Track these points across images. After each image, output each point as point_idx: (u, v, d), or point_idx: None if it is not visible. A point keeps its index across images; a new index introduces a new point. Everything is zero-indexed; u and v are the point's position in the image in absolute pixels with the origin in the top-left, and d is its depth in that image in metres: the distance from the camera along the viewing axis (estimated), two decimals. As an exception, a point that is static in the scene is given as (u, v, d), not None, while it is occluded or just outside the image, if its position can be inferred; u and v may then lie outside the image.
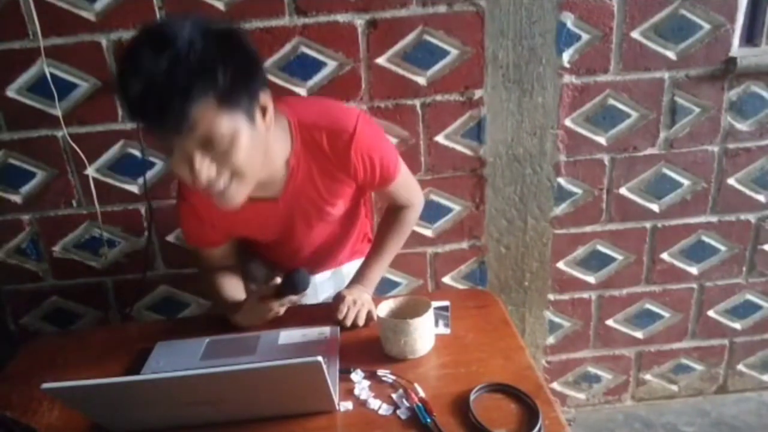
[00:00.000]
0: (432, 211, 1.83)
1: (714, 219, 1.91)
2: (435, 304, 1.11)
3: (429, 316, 1.06)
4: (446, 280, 1.93)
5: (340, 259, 1.47)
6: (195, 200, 1.17)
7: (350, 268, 1.47)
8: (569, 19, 1.65)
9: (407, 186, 1.31)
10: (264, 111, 0.98)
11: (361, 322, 1.18)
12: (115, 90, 0.95)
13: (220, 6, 1.56)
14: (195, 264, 1.33)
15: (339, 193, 1.19)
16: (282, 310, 1.19)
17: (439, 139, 1.75)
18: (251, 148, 0.95)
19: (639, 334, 2.05)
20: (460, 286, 1.93)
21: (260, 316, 1.19)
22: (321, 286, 1.48)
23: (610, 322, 2.03)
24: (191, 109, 0.86)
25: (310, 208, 1.20)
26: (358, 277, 1.28)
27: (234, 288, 1.29)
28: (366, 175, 1.16)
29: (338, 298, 1.21)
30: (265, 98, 0.97)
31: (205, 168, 0.92)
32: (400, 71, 1.66)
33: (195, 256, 1.29)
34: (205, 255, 1.27)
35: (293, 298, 1.15)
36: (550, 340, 2.04)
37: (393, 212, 1.35)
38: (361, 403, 0.97)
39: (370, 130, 1.16)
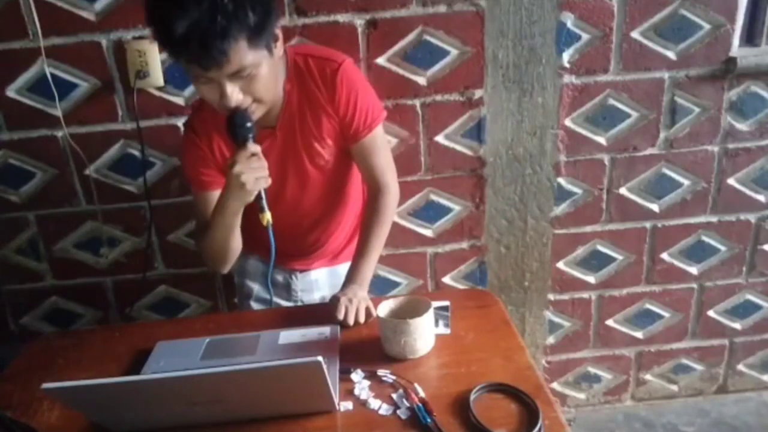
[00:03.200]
0: (432, 211, 1.83)
1: (714, 219, 1.91)
2: (435, 304, 1.11)
3: (429, 316, 1.06)
4: (446, 280, 1.93)
5: (336, 250, 1.47)
6: (200, 129, 1.26)
7: (347, 267, 1.48)
8: (569, 19, 1.65)
9: (386, 154, 1.36)
10: (276, 40, 1.13)
11: (361, 319, 1.18)
12: (153, 31, 1.05)
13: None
14: (196, 224, 1.35)
15: (326, 129, 1.27)
16: (250, 164, 1.13)
17: (439, 139, 1.75)
18: (269, 77, 1.13)
19: (639, 334, 2.05)
20: (460, 286, 1.93)
21: (241, 185, 1.13)
22: (317, 284, 1.49)
23: (610, 322, 2.03)
24: (228, 49, 1.01)
25: (302, 145, 1.28)
26: (351, 277, 1.29)
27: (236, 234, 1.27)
28: (347, 109, 1.25)
29: (335, 299, 1.21)
30: (279, 29, 1.12)
31: (235, 94, 1.09)
32: (400, 71, 1.66)
33: (196, 213, 1.34)
34: (205, 204, 1.29)
35: (251, 146, 1.13)
36: (550, 340, 2.04)
37: (371, 203, 1.36)
38: (361, 403, 0.97)
39: (357, 72, 1.30)
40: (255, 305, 1.51)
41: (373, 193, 1.36)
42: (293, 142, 1.27)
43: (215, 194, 1.27)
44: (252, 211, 1.24)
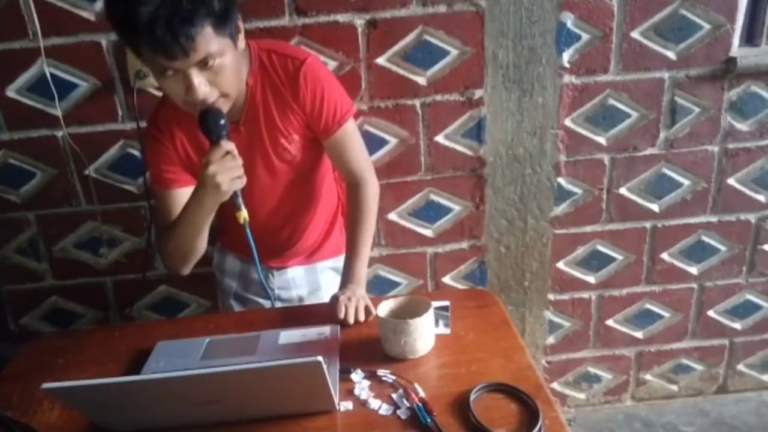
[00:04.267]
0: (432, 211, 1.83)
1: (714, 219, 1.91)
2: (435, 304, 1.11)
3: (429, 316, 1.06)
4: (446, 280, 1.93)
5: (312, 248, 1.47)
6: (162, 124, 1.23)
7: (324, 265, 1.49)
8: (569, 19, 1.65)
9: (360, 148, 1.34)
10: (239, 32, 1.11)
11: (361, 317, 1.18)
12: (115, 23, 1.03)
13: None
14: (159, 224, 1.30)
15: (292, 124, 1.25)
16: (225, 163, 1.10)
17: (439, 139, 1.75)
18: (234, 68, 1.10)
19: (639, 334, 2.05)
20: (460, 286, 1.93)
21: (216, 185, 1.10)
22: (294, 282, 1.48)
23: (610, 322, 2.03)
24: (194, 34, 0.99)
25: (268, 140, 1.25)
26: (346, 277, 1.29)
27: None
28: (314, 106, 1.23)
29: (334, 299, 1.21)
30: (239, 21, 1.10)
31: (202, 86, 1.06)
32: (400, 71, 1.66)
33: (158, 213, 1.29)
34: (168, 203, 1.25)
35: (225, 144, 1.10)
36: (550, 340, 2.04)
37: (351, 199, 1.35)
38: (361, 403, 0.97)
39: (322, 67, 1.27)
40: (234, 304, 1.51)
41: (352, 188, 1.35)
42: (259, 136, 1.26)
43: (179, 192, 1.25)
44: (230, 209, 1.23)
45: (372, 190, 1.35)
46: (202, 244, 1.25)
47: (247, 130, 1.24)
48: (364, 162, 1.35)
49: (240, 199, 1.16)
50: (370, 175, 1.36)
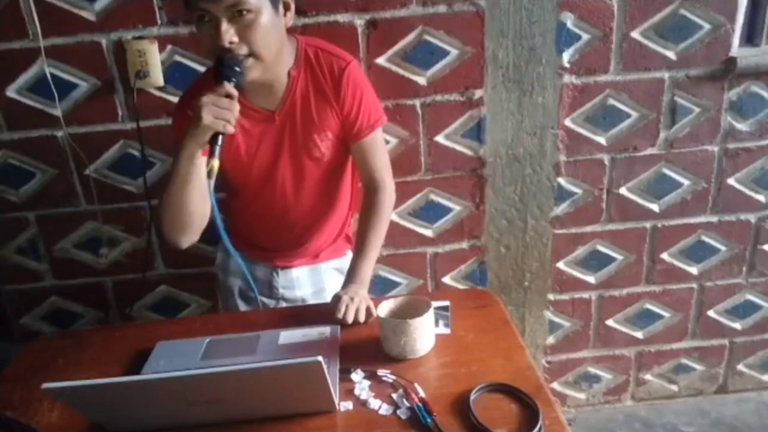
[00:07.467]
0: (432, 211, 1.83)
1: (714, 219, 1.91)
2: (435, 304, 1.11)
3: (429, 316, 1.06)
4: (446, 280, 1.93)
5: (319, 249, 1.47)
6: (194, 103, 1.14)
7: (328, 266, 1.49)
8: (569, 19, 1.65)
9: (383, 154, 1.38)
10: (287, 9, 1.17)
11: (361, 318, 1.18)
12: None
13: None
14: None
15: (328, 121, 1.28)
16: (218, 102, 1.08)
17: (439, 139, 1.75)
18: (269, 30, 1.12)
19: (639, 334, 2.05)
20: (460, 286, 1.93)
21: (198, 119, 1.06)
22: (298, 281, 1.48)
23: (610, 322, 2.03)
24: None
25: (300, 135, 1.28)
26: (351, 276, 1.29)
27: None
28: (352, 108, 1.28)
29: (336, 298, 1.22)
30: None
31: (229, 34, 1.08)
32: (400, 71, 1.66)
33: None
34: None
35: (228, 86, 1.08)
36: (550, 340, 2.04)
37: (368, 201, 1.37)
38: (361, 403, 0.97)
39: (362, 73, 1.35)
40: (240, 303, 1.51)
41: (371, 191, 1.37)
42: (292, 129, 1.28)
43: None
44: (233, 204, 1.27)
45: (389, 196, 1.38)
46: (193, 207, 1.17)
47: (281, 120, 1.27)
48: (385, 168, 1.38)
49: (218, 147, 1.09)
50: (389, 181, 1.39)
